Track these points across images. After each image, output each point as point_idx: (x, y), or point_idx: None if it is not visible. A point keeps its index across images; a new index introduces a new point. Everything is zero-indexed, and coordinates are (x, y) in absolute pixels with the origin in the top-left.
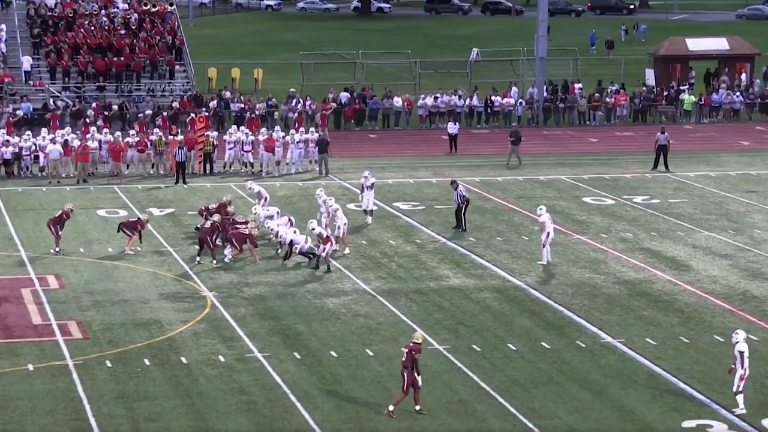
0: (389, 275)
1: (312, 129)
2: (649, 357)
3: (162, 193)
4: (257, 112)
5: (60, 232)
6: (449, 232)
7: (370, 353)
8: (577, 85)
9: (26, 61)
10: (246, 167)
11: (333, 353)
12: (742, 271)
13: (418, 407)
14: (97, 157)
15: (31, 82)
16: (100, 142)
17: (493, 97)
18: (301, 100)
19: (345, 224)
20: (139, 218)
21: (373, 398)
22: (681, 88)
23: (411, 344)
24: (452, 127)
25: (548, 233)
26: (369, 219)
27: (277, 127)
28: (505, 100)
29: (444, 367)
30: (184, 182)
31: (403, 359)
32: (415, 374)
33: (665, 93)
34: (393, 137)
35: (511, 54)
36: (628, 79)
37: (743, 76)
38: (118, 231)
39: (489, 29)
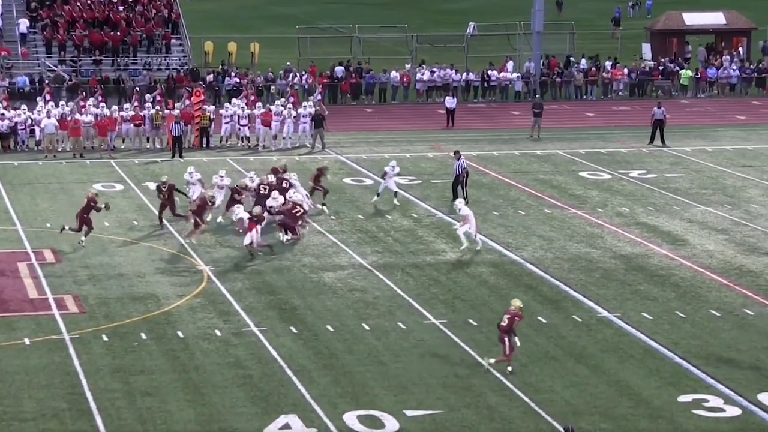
0: (385, 249)
1: (310, 103)
2: (645, 331)
3: (158, 167)
4: (256, 86)
5: (87, 225)
6: (446, 207)
7: (367, 327)
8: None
9: (23, 24)
10: (243, 141)
11: (329, 327)
12: (738, 246)
13: (510, 368)
14: (92, 132)
15: (24, 49)
16: (96, 116)
17: (489, 72)
18: (298, 74)
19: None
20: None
21: (370, 372)
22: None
23: (512, 310)
24: (450, 102)
25: (471, 224)
26: (395, 200)
27: (277, 101)
28: (502, 74)
29: (440, 341)
30: (181, 156)
31: (503, 324)
32: (515, 338)
33: (661, 67)
34: (389, 111)
35: (508, 28)
36: (626, 53)
37: (740, 50)
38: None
39: (486, 3)
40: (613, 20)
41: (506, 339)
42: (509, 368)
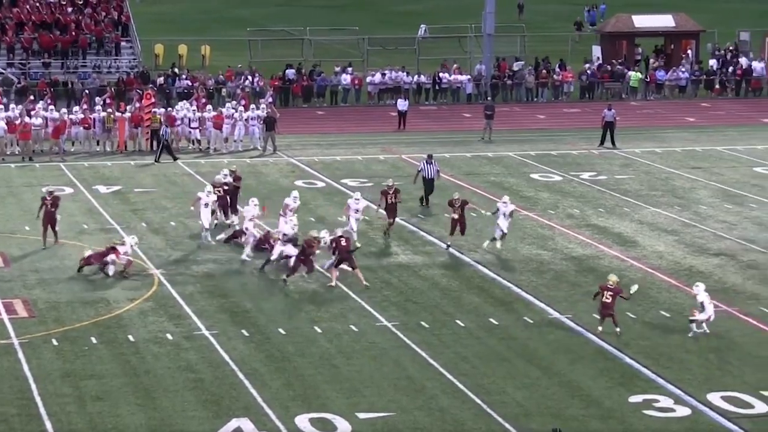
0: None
1: (263, 106)
2: (596, 332)
3: (108, 171)
4: (205, 90)
5: (50, 228)
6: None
7: (318, 330)
8: (517, 63)
9: None
10: (193, 144)
11: (281, 330)
12: (687, 247)
13: (618, 329)
14: (42, 135)
15: None
16: (45, 119)
17: (441, 74)
18: (249, 77)
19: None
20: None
21: (321, 375)
22: (655, 65)
23: (611, 286)
24: (401, 104)
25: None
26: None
27: (228, 104)
28: (453, 77)
29: (392, 343)
30: (174, 158)
31: (607, 301)
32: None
33: (611, 69)
34: (341, 114)
35: (459, 30)
36: (576, 56)
37: (689, 53)
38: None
39: (438, 5)
40: (576, 24)
41: (612, 314)
42: (617, 328)
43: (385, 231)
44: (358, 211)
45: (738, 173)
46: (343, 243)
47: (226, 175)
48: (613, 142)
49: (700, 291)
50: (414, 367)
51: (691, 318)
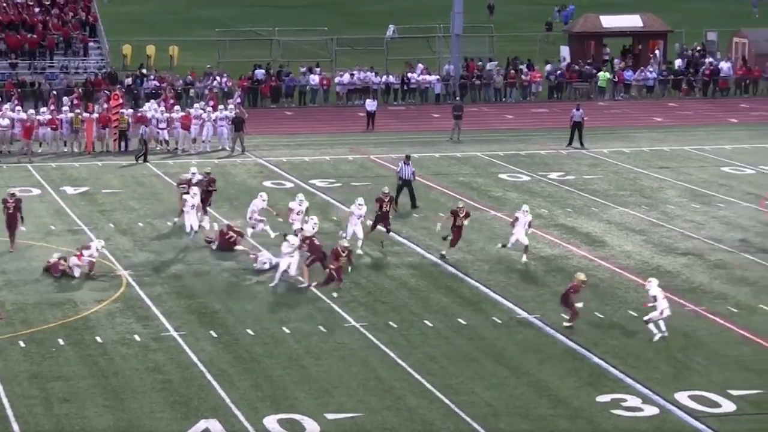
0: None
1: (231, 106)
2: (564, 332)
3: (76, 171)
4: (173, 90)
5: (13, 227)
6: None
7: (287, 331)
8: (490, 63)
9: None
10: (161, 145)
11: (249, 331)
12: (655, 247)
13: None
14: (8, 136)
15: None
16: (12, 120)
17: (409, 74)
18: (217, 78)
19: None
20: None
21: (290, 375)
22: (621, 65)
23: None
24: (370, 104)
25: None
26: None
27: (196, 104)
28: (421, 77)
29: (361, 344)
30: (145, 160)
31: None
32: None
33: (580, 69)
34: (309, 114)
35: (428, 31)
36: (544, 56)
37: (657, 53)
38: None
39: (406, 6)
40: (547, 24)
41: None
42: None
43: (381, 241)
44: (361, 216)
45: (706, 173)
46: (317, 242)
47: (194, 173)
48: (581, 143)
49: (652, 286)
50: (382, 367)
51: (646, 319)
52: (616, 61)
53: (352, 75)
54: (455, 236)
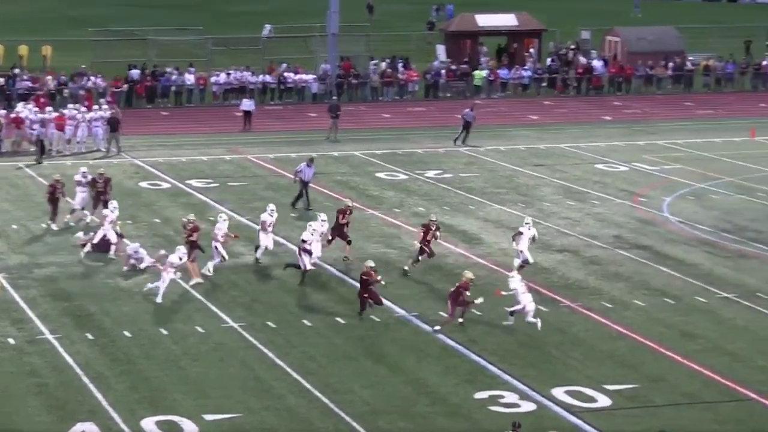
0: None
1: (105, 106)
2: (443, 330)
3: None
4: (45, 89)
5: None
6: (243, 209)
7: (165, 332)
8: (372, 62)
9: None
10: (35, 146)
11: (126, 333)
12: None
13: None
14: None
15: None
16: None
17: (286, 74)
18: (91, 78)
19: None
20: None
21: (168, 377)
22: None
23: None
24: (246, 104)
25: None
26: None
27: (70, 105)
28: (298, 76)
29: (239, 344)
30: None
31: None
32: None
33: (456, 68)
34: (186, 114)
35: (305, 30)
36: (421, 54)
37: (531, 51)
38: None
39: (283, 5)
40: (429, 23)
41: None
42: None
43: (345, 257)
44: (322, 234)
45: (580, 170)
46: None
47: (85, 173)
48: (464, 141)
49: (513, 280)
50: (261, 367)
51: (510, 311)
52: (483, 60)
53: (228, 74)
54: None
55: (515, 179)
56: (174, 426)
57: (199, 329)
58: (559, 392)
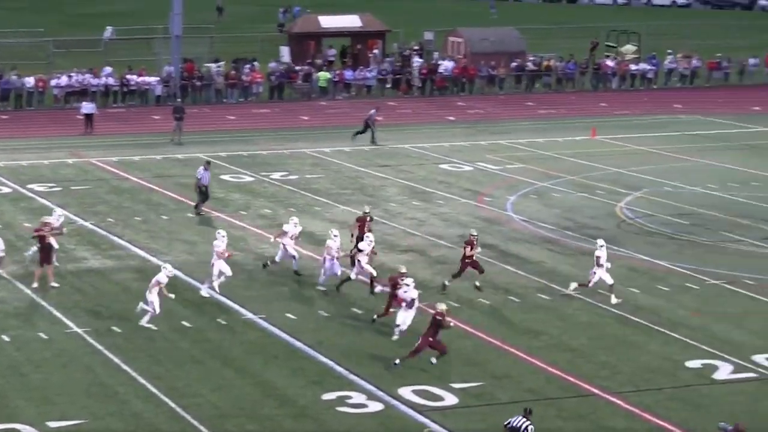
0: (25, 258)
1: None
2: (290, 332)
3: None
4: None
5: None
6: (86, 214)
7: (6, 339)
8: (214, 65)
9: None
10: None
11: None
12: (378, 244)
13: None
14: None
15: None
16: None
17: (128, 76)
18: None
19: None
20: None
21: (10, 384)
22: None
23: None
24: (87, 107)
25: None
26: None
27: None
28: (141, 78)
29: (84, 350)
30: None
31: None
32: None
33: (299, 69)
34: (26, 118)
35: (148, 32)
36: (264, 56)
37: (375, 52)
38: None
39: (125, 7)
40: (280, 25)
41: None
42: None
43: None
44: (294, 237)
45: (425, 170)
46: None
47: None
48: (358, 134)
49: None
50: (106, 372)
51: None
52: (319, 62)
53: (69, 77)
54: (467, 266)
55: (360, 180)
56: None
57: (43, 335)
58: (406, 391)
